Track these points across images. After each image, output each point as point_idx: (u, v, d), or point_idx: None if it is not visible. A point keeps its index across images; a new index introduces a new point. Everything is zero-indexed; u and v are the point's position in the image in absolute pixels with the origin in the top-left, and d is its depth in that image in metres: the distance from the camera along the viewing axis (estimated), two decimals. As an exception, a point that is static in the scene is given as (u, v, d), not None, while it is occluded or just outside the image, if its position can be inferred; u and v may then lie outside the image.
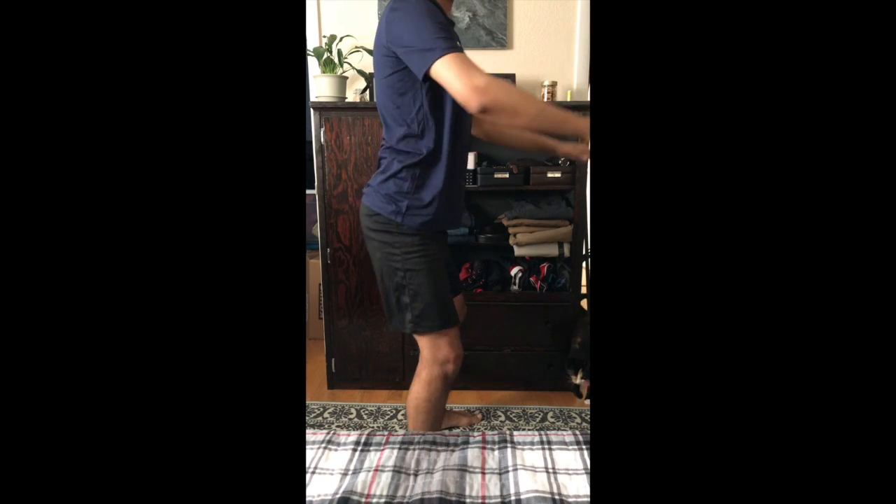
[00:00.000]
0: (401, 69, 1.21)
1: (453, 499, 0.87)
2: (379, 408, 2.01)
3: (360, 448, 1.04)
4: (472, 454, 1.00)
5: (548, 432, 1.10)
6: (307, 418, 1.93)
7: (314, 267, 2.59)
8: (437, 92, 1.21)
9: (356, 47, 2.13)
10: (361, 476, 0.93)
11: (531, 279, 2.09)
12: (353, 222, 2.02)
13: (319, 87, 2.06)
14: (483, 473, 0.95)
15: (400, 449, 1.02)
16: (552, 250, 2.06)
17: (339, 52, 2.07)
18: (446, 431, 1.28)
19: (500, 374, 2.14)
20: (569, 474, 0.94)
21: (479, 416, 1.94)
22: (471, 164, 2.02)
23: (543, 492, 0.88)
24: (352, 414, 1.97)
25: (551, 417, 1.94)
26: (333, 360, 2.15)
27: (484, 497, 0.89)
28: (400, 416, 1.95)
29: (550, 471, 0.95)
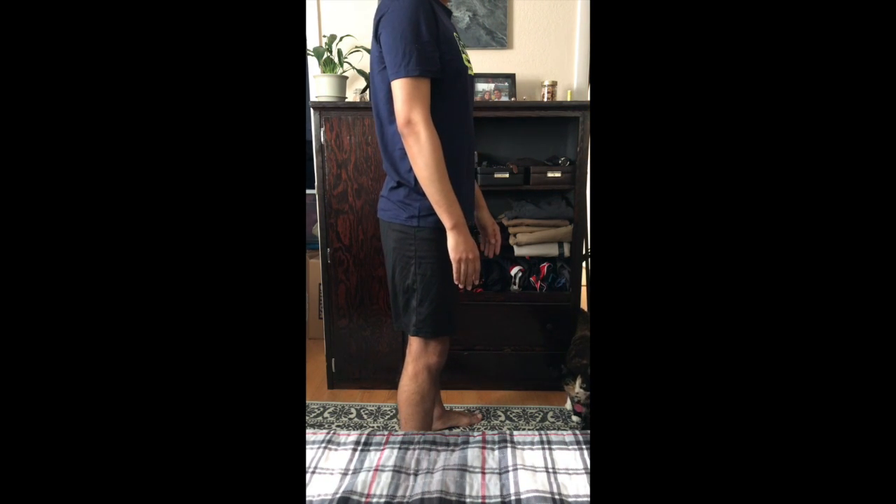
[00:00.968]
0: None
1: (453, 498, 0.87)
2: (379, 407, 2.01)
3: (360, 448, 1.04)
4: (472, 454, 1.00)
5: (548, 432, 1.10)
6: (307, 418, 1.93)
7: (314, 267, 2.59)
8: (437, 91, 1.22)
9: (356, 47, 2.13)
10: (361, 476, 0.93)
11: (531, 279, 2.09)
12: (353, 222, 2.02)
13: (319, 86, 2.06)
14: (483, 473, 0.95)
15: (400, 449, 1.02)
16: (552, 250, 2.06)
17: (339, 52, 2.07)
18: (446, 431, 1.28)
19: (500, 374, 2.14)
20: (569, 474, 0.94)
21: (479, 415, 1.94)
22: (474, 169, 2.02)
23: (543, 492, 0.88)
24: (352, 414, 1.97)
25: (551, 417, 1.94)
26: (333, 359, 2.15)
27: (484, 497, 0.89)
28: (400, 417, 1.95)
29: (550, 470, 0.95)
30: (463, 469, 0.96)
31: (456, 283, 1.31)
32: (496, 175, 2.01)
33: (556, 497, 0.87)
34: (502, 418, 1.94)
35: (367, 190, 1.98)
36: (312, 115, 1.95)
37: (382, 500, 0.87)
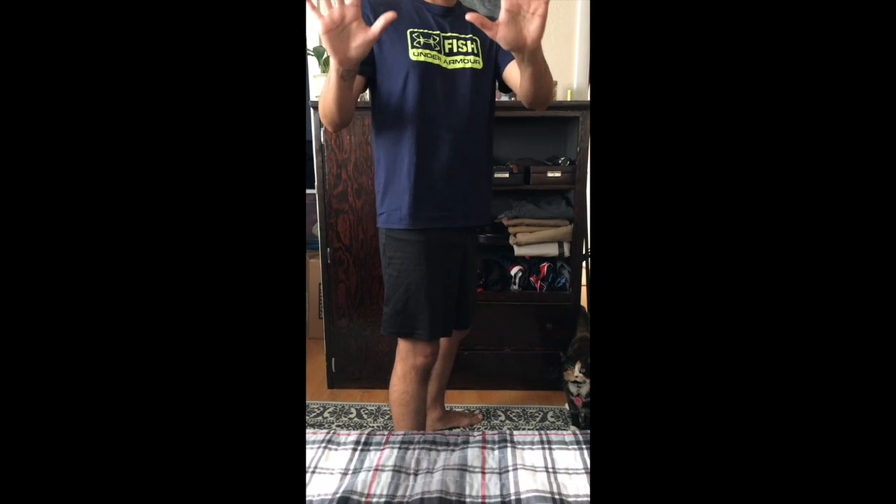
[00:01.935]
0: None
1: (453, 498, 0.87)
2: (379, 407, 2.01)
3: (360, 447, 1.04)
4: (472, 454, 1.00)
5: (548, 432, 1.10)
6: (307, 418, 1.93)
7: (314, 267, 2.59)
8: (387, 83, 1.25)
9: (356, 47, 2.13)
10: (361, 476, 0.93)
11: (531, 279, 2.09)
12: (353, 222, 2.02)
13: (319, 86, 2.06)
14: (483, 473, 0.95)
15: (400, 448, 1.02)
16: (552, 250, 2.06)
17: (339, 52, 2.07)
18: (446, 431, 1.28)
19: (500, 374, 2.14)
20: (569, 474, 0.94)
21: (479, 415, 1.94)
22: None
23: (543, 491, 0.88)
24: (352, 413, 1.97)
25: (551, 417, 1.94)
26: (333, 359, 2.15)
27: (484, 497, 0.89)
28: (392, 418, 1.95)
29: (550, 470, 0.95)
30: (463, 469, 0.96)
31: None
32: (496, 175, 2.01)
33: (556, 497, 0.87)
34: (502, 418, 1.94)
35: (367, 190, 1.98)
36: (312, 115, 1.95)
37: (382, 499, 0.87)
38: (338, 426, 1.89)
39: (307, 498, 0.87)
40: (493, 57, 1.35)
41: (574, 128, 2.02)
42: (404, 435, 1.07)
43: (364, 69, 1.22)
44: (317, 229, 2.14)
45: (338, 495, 0.87)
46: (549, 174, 1.99)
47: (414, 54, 1.24)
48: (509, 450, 1.02)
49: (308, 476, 0.95)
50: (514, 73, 1.27)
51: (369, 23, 1.02)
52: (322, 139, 1.96)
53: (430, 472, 0.95)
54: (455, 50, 1.30)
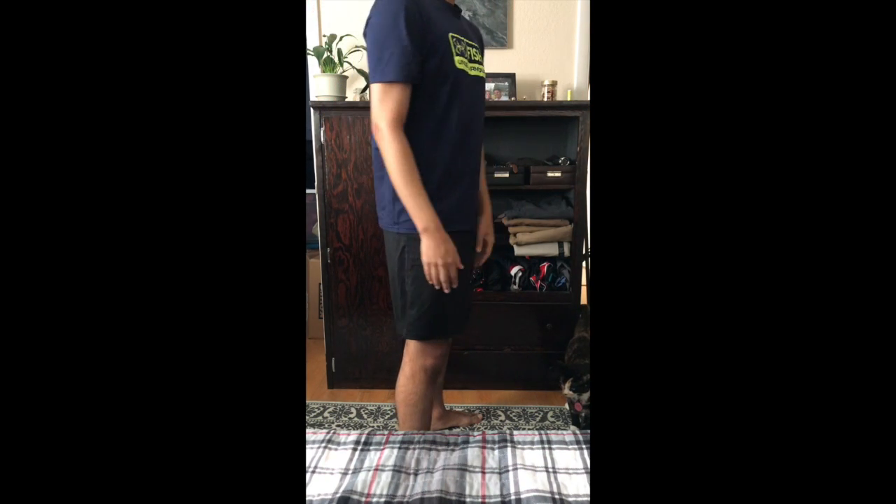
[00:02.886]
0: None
1: (453, 498, 0.87)
2: (379, 407, 2.01)
3: (360, 447, 1.04)
4: (472, 453, 1.00)
5: (548, 432, 1.10)
6: (307, 418, 1.93)
7: (314, 266, 2.59)
8: (419, 91, 1.23)
9: (356, 46, 2.13)
10: (361, 475, 0.93)
11: (531, 279, 2.09)
12: (353, 221, 2.02)
13: (319, 86, 2.06)
14: (483, 473, 0.95)
15: (400, 448, 1.02)
16: (552, 250, 2.06)
17: (339, 52, 2.07)
18: (446, 431, 1.28)
19: (499, 374, 2.14)
20: (569, 474, 0.95)
21: (479, 415, 1.94)
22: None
23: (543, 491, 0.88)
24: (352, 413, 1.97)
25: (551, 417, 1.94)
26: (333, 359, 2.15)
27: (484, 496, 0.89)
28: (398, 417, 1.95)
29: (550, 470, 0.95)
30: (463, 469, 0.96)
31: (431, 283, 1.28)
32: (496, 175, 2.01)
33: (556, 497, 0.87)
34: (502, 418, 1.94)
35: (367, 189, 1.98)
36: (312, 115, 1.95)
37: (382, 499, 0.88)
38: (338, 426, 1.89)
39: (307, 498, 0.87)
40: None
41: (574, 128, 2.02)
42: (404, 435, 1.07)
43: (416, 77, 1.20)
44: (317, 229, 2.14)
45: (338, 495, 0.87)
46: (549, 174, 1.99)
47: (458, 62, 1.27)
48: (509, 449, 1.02)
49: (308, 476, 0.95)
50: None
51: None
52: (322, 139, 1.96)
53: (430, 471, 0.95)
54: (472, 57, 1.33)
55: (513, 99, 2.19)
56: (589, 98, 2.17)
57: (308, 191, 2.45)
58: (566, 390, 1.74)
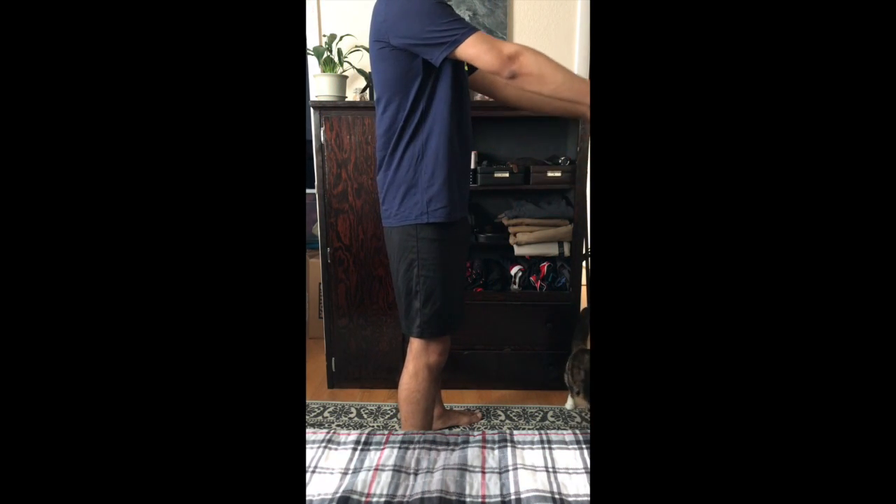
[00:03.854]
0: (403, 60, 1.22)
1: (453, 498, 0.87)
2: (379, 407, 2.01)
3: (360, 447, 1.04)
4: (472, 453, 1.00)
5: (548, 431, 1.10)
6: (307, 417, 1.93)
7: (314, 266, 2.59)
8: (436, 81, 1.24)
9: (356, 46, 2.13)
10: (361, 475, 0.93)
11: (531, 278, 2.09)
12: (353, 221, 2.02)
13: (319, 86, 2.06)
14: (483, 473, 0.95)
15: (400, 448, 1.02)
16: (552, 249, 2.06)
17: (339, 52, 2.07)
18: (446, 431, 1.28)
19: (499, 374, 2.14)
20: (569, 473, 0.95)
21: (479, 415, 1.94)
22: (471, 164, 2.02)
23: (543, 491, 0.88)
24: (352, 413, 1.97)
25: (551, 417, 1.94)
26: (333, 359, 2.15)
27: (484, 496, 0.89)
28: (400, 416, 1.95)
29: (550, 470, 0.95)
30: (463, 468, 0.96)
31: None
32: (496, 174, 2.01)
33: (557, 496, 0.87)
34: (502, 418, 1.94)
35: (368, 189, 1.98)
36: (312, 115, 1.95)
37: (382, 499, 0.88)
38: (338, 426, 1.89)
39: (307, 497, 0.87)
40: None
41: (574, 128, 2.02)
42: (404, 434, 1.07)
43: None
44: (317, 229, 2.14)
45: (338, 495, 0.87)
46: (549, 174, 1.99)
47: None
48: (509, 449, 1.02)
49: (308, 476, 0.95)
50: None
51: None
52: (322, 139, 1.96)
53: (430, 471, 0.95)
54: None
55: (513, 99, 2.18)
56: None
57: (308, 191, 2.45)
58: (569, 403, 1.73)
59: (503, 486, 0.91)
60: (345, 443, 1.06)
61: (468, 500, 0.88)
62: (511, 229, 2.06)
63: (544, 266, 2.11)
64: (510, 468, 0.95)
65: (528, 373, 2.13)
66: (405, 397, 1.46)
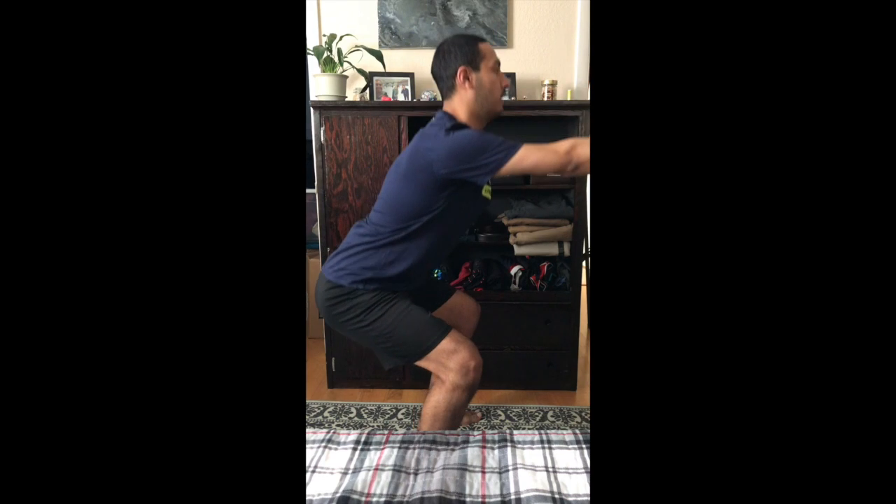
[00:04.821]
0: (438, 188, 1.29)
1: (453, 498, 0.87)
2: (379, 407, 2.01)
3: (360, 447, 1.04)
4: (472, 453, 1.00)
5: (548, 431, 1.10)
6: (307, 417, 1.93)
7: (314, 266, 2.59)
8: (457, 201, 1.33)
9: (356, 46, 2.13)
10: (361, 475, 0.93)
11: (531, 278, 2.09)
12: (353, 221, 2.02)
13: (319, 85, 2.06)
14: (483, 472, 0.95)
15: (400, 448, 1.02)
16: (552, 249, 2.06)
17: (339, 51, 2.07)
18: (446, 430, 1.28)
19: (499, 373, 2.14)
20: (569, 473, 0.95)
21: (479, 414, 1.94)
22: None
23: (543, 491, 0.88)
24: (352, 413, 1.97)
25: (551, 416, 1.94)
26: (333, 359, 2.15)
27: (484, 496, 0.89)
28: (400, 416, 1.95)
29: (550, 470, 0.95)
30: (463, 468, 0.96)
31: None
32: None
33: (556, 496, 0.87)
34: (502, 417, 1.94)
35: (367, 189, 1.98)
36: (312, 115, 1.95)
37: (382, 499, 0.88)
38: (338, 426, 1.89)
39: (307, 497, 0.87)
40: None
41: (574, 128, 2.02)
42: (404, 434, 1.07)
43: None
44: (317, 229, 2.14)
45: (338, 495, 0.87)
46: (549, 174, 1.99)
47: (485, 191, 1.41)
48: (509, 449, 1.02)
49: (308, 475, 0.95)
50: None
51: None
52: (322, 139, 1.96)
53: (430, 471, 0.95)
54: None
55: (513, 98, 2.19)
56: (589, 98, 2.16)
57: (308, 190, 2.45)
58: None
59: (503, 485, 0.91)
60: (345, 443, 1.06)
61: (468, 499, 0.88)
62: (511, 229, 2.06)
63: (544, 266, 2.11)
64: (510, 468, 0.95)
65: (527, 372, 2.13)
66: (434, 413, 1.35)
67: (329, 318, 1.43)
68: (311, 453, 1.02)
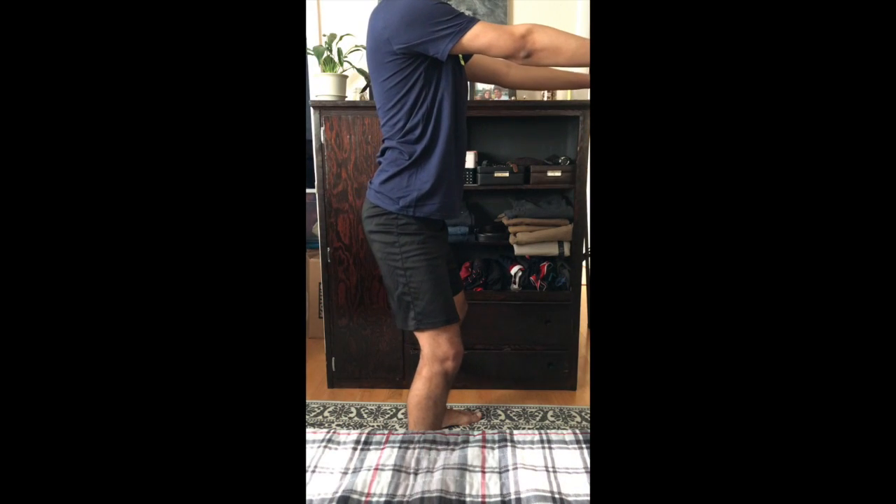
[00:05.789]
0: (404, 67, 1.23)
1: (453, 498, 0.87)
2: (379, 407, 2.01)
3: (360, 447, 1.04)
4: (472, 453, 1.00)
5: (548, 431, 1.10)
6: (307, 417, 1.93)
7: (314, 266, 2.59)
8: (437, 83, 1.26)
9: (356, 46, 2.13)
10: (361, 475, 0.93)
11: (531, 278, 2.09)
12: (353, 221, 2.02)
13: (319, 85, 2.06)
14: (483, 472, 0.95)
15: (400, 448, 1.02)
16: (552, 249, 2.06)
17: (339, 51, 2.07)
18: (446, 430, 1.28)
19: (499, 373, 2.14)
20: (569, 473, 0.95)
21: (479, 414, 1.94)
22: (471, 164, 2.02)
23: (543, 490, 0.88)
24: (352, 413, 1.97)
25: (551, 416, 1.94)
26: (333, 358, 2.15)
27: (484, 496, 0.89)
28: (400, 415, 1.95)
29: (550, 470, 0.95)
30: (463, 468, 0.96)
31: None
32: (496, 174, 2.00)
33: (556, 496, 0.87)
34: (502, 417, 1.94)
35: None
36: (312, 114, 1.95)
37: (382, 499, 0.88)
38: (338, 425, 1.89)
39: (307, 497, 0.87)
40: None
41: (574, 127, 2.02)
42: (404, 434, 1.07)
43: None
44: (317, 228, 2.14)
45: (338, 495, 0.87)
46: (549, 173, 1.99)
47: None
48: (509, 449, 1.02)
49: (308, 475, 0.95)
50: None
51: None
52: (322, 138, 1.96)
53: (430, 471, 0.95)
54: None
55: (513, 98, 2.19)
56: (589, 98, 2.16)
57: (308, 190, 2.45)
58: None
59: (503, 485, 0.91)
60: (345, 442, 1.06)
61: (468, 499, 0.88)
62: (511, 229, 2.06)
63: (544, 266, 2.10)
64: (510, 468, 0.95)
65: (527, 372, 2.13)
66: (416, 403, 1.42)
67: (371, 238, 1.41)
68: (310, 453, 1.02)
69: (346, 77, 2.11)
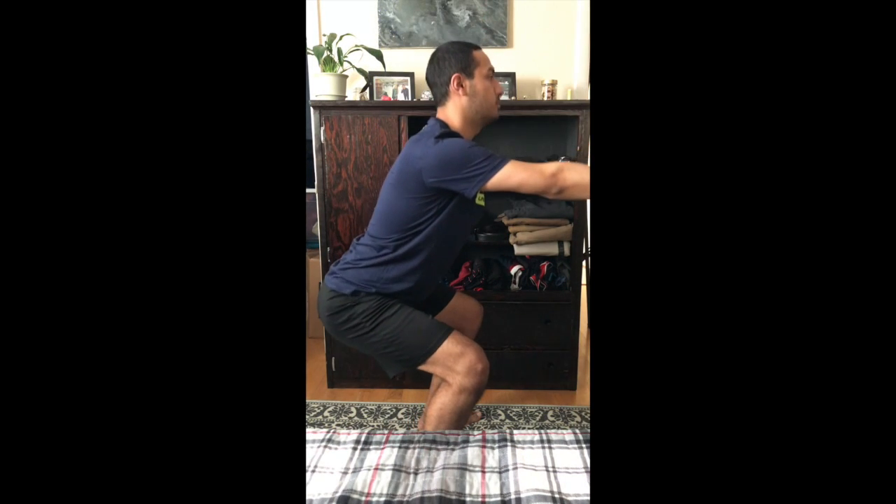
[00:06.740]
0: (428, 196, 1.29)
1: (453, 497, 0.87)
2: (379, 406, 2.01)
3: (360, 447, 1.04)
4: (472, 453, 1.00)
5: (548, 431, 1.10)
6: (307, 417, 1.93)
7: (314, 266, 2.59)
8: (446, 208, 1.33)
9: (356, 46, 2.13)
10: (361, 475, 0.93)
11: (531, 278, 2.09)
12: (352, 221, 2.02)
13: (319, 85, 2.06)
14: (483, 472, 0.95)
15: (400, 448, 1.02)
16: (552, 249, 2.06)
17: (339, 51, 2.07)
18: (446, 430, 1.28)
19: (499, 373, 2.13)
20: (569, 473, 0.95)
21: (479, 414, 1.94)
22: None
23: (543, 490, 0.88)
24: (352, 412, 1.97)
25: (551, 416, 1.94)
26: (333, 358, 2.15)
27: (484, 496, 0.89)
28: (400, 415, 1.95)
29: (550, 469, 0.95)
30: (463, 468, 0.96)
31: None
32: (496, 174, 2.00)
33: (556, 496, 0.87)
34: (502, 417, 1.94)
35: (367, 189, 1.98)
36: (312, 114, 1.95)
37: (382, 499, 0.88)
38: (338, 425, 1.89)
39: (307, 497, 0.87)
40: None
41: (574, 127, 2.02)
42: (404, 434, 1.07)
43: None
44: (317, 228, 2.14)
45: (338, 494, 0.87)
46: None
47: (478, 198, 1.38)
48: (509, 449, 1.02)
49: (308, 475, 0.95)
50: None
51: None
52: (322, 138, 1.96)
53: (430, 471, 0.95)
54: None
55: (513, 98, 2.19)
56: (589, 97, 2.16)
57: (308, 190, 2.45)
58: None
59: (503, 485, 0.91)
60: (345, 442, 1.06)
61: (468, 499, 0.88)
62: (511, 228, 2.06)
63: (544, 265, 2.10)
64: (510, 468, 0.96)
65: (527, 372, 2.13)
66: (440, 415, 1.33)
67: (331, 328, 1.42)
68: (310, 453, 1.02)
69: (346, 77, 2.11)
